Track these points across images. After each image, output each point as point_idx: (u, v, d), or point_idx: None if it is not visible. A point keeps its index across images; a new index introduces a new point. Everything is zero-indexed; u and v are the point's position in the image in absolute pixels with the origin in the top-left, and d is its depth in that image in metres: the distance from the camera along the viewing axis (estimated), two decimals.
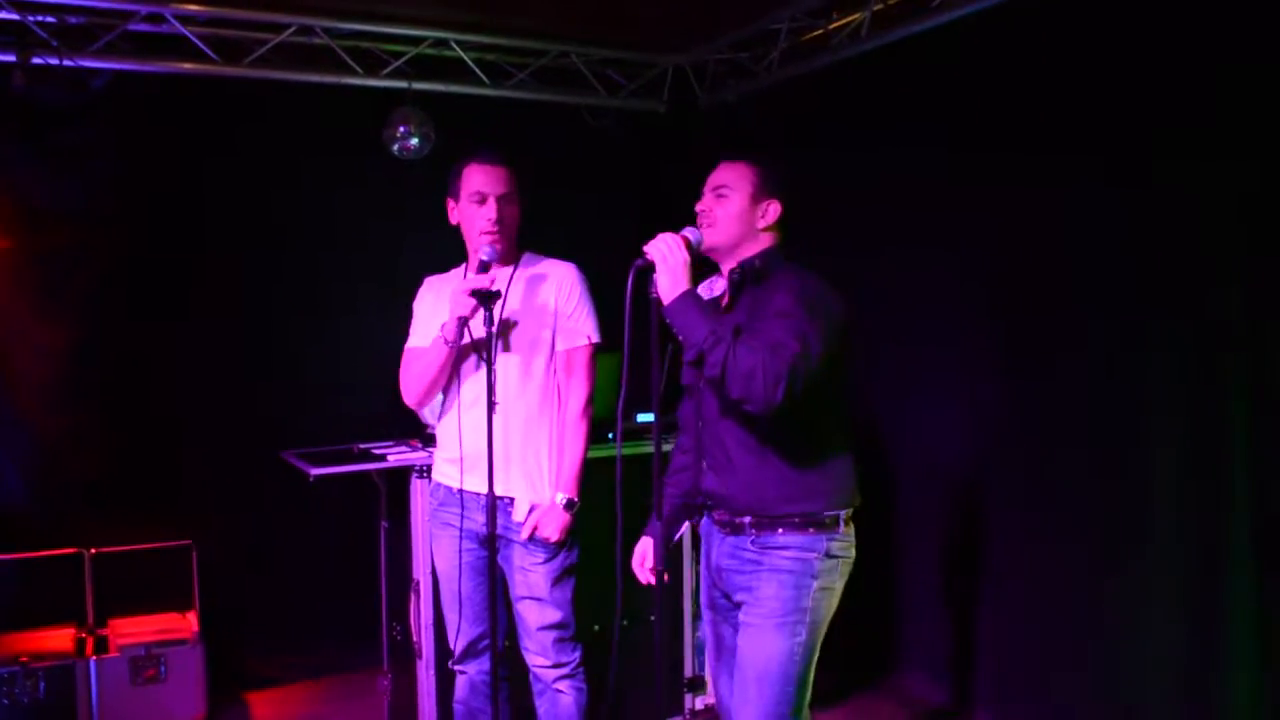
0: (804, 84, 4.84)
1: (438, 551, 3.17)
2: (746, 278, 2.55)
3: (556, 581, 3.05)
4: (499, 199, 2.91)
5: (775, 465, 2.51)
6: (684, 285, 2.40)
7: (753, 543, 2.53)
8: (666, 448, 2.93)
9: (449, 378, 3.03)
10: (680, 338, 2.41)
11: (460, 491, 3.04)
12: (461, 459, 2.99)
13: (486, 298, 2.80)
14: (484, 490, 2.91)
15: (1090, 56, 3.61)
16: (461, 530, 3.07)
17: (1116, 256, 3.54)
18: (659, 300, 2.42)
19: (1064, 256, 3.74)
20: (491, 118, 5.14)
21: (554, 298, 3.00)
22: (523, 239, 3.13)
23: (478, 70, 5.01)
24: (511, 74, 5.14)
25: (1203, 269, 3.29)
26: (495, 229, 2.91)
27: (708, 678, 2.83)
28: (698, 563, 2.82)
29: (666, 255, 2.41)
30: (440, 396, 3.11)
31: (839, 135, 4.75)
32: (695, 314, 2.38)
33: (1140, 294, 3.47)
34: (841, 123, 4.75)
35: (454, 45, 4.86)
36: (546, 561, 3.03)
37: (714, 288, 2.65)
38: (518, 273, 3.04)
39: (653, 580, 2.67)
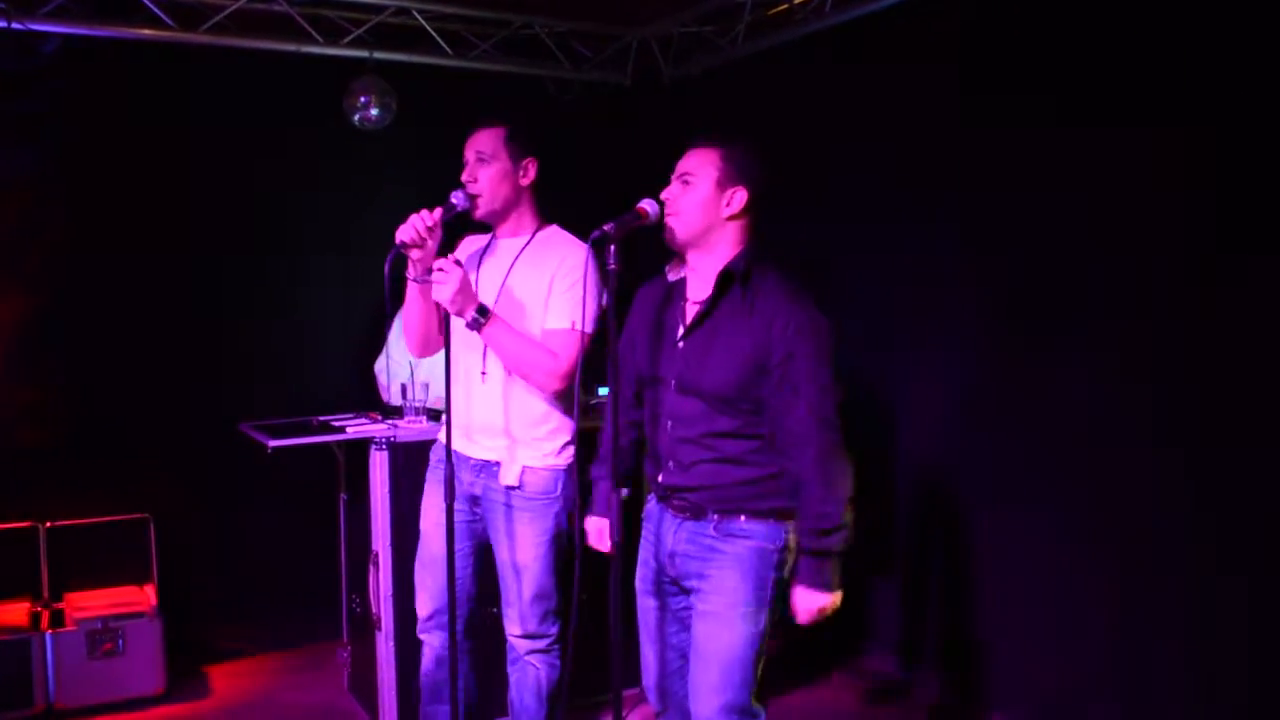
0: (769, 59, 4.84)
1: (426, 507, 3.19)
2: (732, 282, 2.52)
3: (543, 552, 3.05)
4: (475, 158, 2.99)
5: (746, 468, 2.51)
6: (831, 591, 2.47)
7: (715, 529, 2.53)
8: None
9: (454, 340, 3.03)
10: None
11: (453, 451, 2.99)
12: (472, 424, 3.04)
13: (401, 253, 2.85)
14: (471, 454, 3.04)
15: (1057, 31, 3.62)
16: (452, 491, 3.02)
17: (1103, 247, 3.54)
18: (616, 271, 2.41)
19: (1049, 244, 3.71)
20: (454, 89, 5.10)
21: (550, 274, 2.98)
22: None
23: (440, 40, 4.96)
24: (475, 44, 5.09)
25: (1184, 263, 3.31)
26: (465, 182, 3.00)
27: (641, 665, 2.84)
28: None
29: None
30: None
31: (803, 112, 4.75)
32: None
33: (1125, 286, 3.48)
34: (805, 99, 4.75)
35: (416, 14, 4.81)
36: (533, 522, 3.03)
37: (680, 271, 2.65)
38: (532, 244, 3.05)
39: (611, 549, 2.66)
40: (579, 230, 2.56)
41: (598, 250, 2.39)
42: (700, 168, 2.53)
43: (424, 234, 2.83)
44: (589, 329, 2.90)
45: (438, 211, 2.86)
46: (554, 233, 3.09)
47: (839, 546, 2.44)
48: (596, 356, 2.75)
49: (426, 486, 3.21)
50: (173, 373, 4.69)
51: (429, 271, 2.85)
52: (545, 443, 3.02)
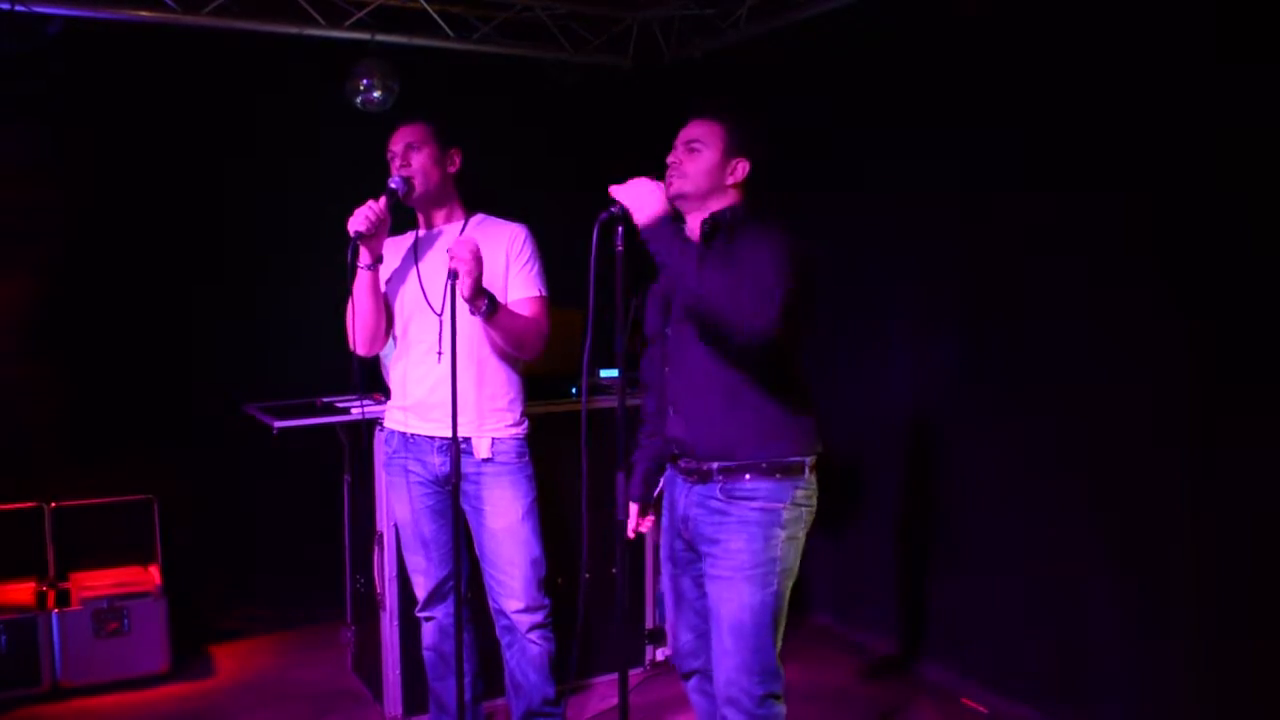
0: (771, 41, 4.84)
1: (396, 498, 3.26)
2: (719, 229, 2.57)
3: (526, 515, 3.16)
4: (404, 148, 3.09)
5: (743, 410, 2.55)
6: (664, 208, 2.44)
7: (721, 490, 2.57)
8: (634, 402, 2.98)
9: (399, 327, 3.16)
10: (659, 260, 2.44)
11: (412, 436, 3.16)
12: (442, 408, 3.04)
13: (357, 239, 2.93)
14: (433, 434, 3.10)
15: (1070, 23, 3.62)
16: (418, 475, 3.18)
17: (1073, 219, 3.57)
18: (623, 253, 2.44)
19: (1024, 215, 3.76)
20: (456, 71, 5.10)
21: (504, 253, 3.10)
22: (484, 196, 3.23)
23: (442, 23, 4.96)
24: (476, 27, 5.09)
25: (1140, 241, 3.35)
26: (398, 168, 3.09)
27: (667, 630, 2.90)
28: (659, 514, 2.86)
29: (641, 194, 2.45)
30: (392, 345, 3.22)
31: (804, 94, 4.76)
32: (674, 236, 2.42)
33: (1097, 257, 3.51)
34: (807, 82, 4.76)
35: None
36: (512, 486, 3.14)
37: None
38: (467, 229, 3.13)
39: (633, 535, 2.80)
40: (581, 214, 2.58)
41: (605, 232, 2.41)
42: (708, 137, 2.60)
43: (376, 222, 2.94)
44: (547, 294, 3.15)
45: (383, 200, 2.98)
46: (486, 218, 3.20)
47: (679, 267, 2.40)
48: (602, 338, 2.77)
49: (389, 479, 3.28)
50: (177, 354, 4.71)
51: (379, 259, 3.02)
52: (508, 413, 3.15)
